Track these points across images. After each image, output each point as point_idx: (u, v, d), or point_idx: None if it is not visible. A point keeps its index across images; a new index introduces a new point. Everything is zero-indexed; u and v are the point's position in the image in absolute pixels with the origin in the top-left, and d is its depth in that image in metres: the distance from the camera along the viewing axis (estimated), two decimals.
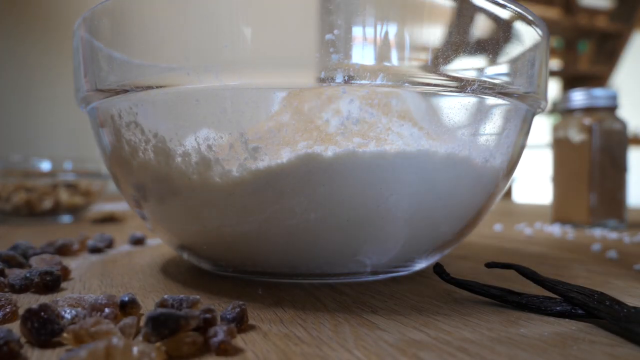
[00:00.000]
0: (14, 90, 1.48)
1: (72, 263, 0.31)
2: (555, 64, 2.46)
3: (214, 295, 0.23)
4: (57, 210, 0.61)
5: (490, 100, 0.24)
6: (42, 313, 0.16)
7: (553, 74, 2.36)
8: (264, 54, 0.21)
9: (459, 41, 0.21)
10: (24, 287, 0.23)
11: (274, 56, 0.21)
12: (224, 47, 0.21)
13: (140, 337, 0.16)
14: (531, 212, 0.78)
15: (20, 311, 0.20)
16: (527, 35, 0.24)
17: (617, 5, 2.37)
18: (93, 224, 0.58)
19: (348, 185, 0.21)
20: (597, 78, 2.30)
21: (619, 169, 0.53)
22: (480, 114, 0.23)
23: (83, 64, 0.25)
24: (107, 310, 0.18)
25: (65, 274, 0.27)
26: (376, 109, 0.21)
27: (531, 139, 0.30)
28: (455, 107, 0.23)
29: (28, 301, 0.22)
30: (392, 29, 0.20)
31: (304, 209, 0.21)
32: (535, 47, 0.25)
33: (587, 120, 0.53)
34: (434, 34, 0.21)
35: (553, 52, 2.45)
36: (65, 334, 0.15)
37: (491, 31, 0.23)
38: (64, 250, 0.34)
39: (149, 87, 0.22)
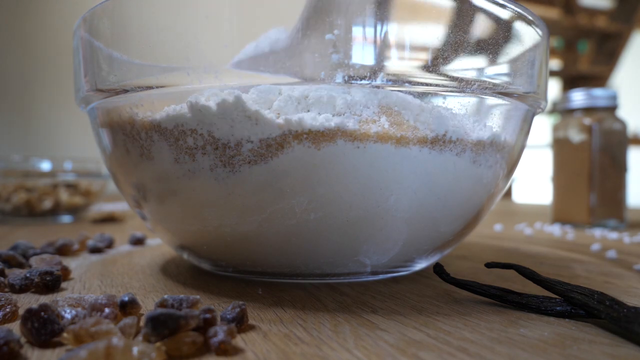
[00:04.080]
0: (14, 91, 1.48)
1: (72, 263, 0.31)
2: (555, 64, 2.45)
3: (214, 295, 0.23)
4: (57, 210, 0.61)
5: (490, 100, 0.24)
6: (42, 313, 0.16)
7: (553, 74, 2.35)
8: (264, 54, 0.21)
9: (459, 41, 0.21)
10: (24, 287, 0.23)
11: (274, 56, 0.21)
12: (224, 47, 0.21)
13: (140, 337, 0.16)
14: (531, 212, 0.78)
15: (20, 311, 0.20)
16: (527, 35, 0.24)
17: (617, 5, 2.37)
18: (93, 224, 0.58)
19: (348, 185, 0.21)
20: (597, 78, 2.30)
21: (619, 169, 0.53)
22: (480, 114, 0.23)
23: (83, 64, 0.25)
24: (107, 310, 0.18)
25: (65, 274, 0.27)
26: (377, 109, 0.21)
27: (531, 139, 0.30)
28: (455, 107, 0.23)
29: (28, 301, 0.22)
30: (392, 29, 0.20)
31: (304, 209, 0.21)
32: (535, 47, 0.25)
33: (587, 120, 0.53)
34: (434, 34, 0.21)
35: (553, 52, 2.44)
36: (65, 334, 0.15)
37: (491, 31, 0.23)
38: (64, 250, 0.34)
39: (149, 87, 0.22)
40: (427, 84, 0.21)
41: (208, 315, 0.16)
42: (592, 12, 2.37)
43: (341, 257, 0.24)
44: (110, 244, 0.38)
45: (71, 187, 0.63)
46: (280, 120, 0.20)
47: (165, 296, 0.18)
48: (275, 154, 0.21)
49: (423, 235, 0.24)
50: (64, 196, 0.62)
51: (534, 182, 2.73)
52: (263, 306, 0.21)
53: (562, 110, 0.57)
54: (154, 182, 0.24)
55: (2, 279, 0.24)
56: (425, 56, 0.21)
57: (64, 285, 0.25)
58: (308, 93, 0.21)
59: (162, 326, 0.15)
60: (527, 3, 2.01)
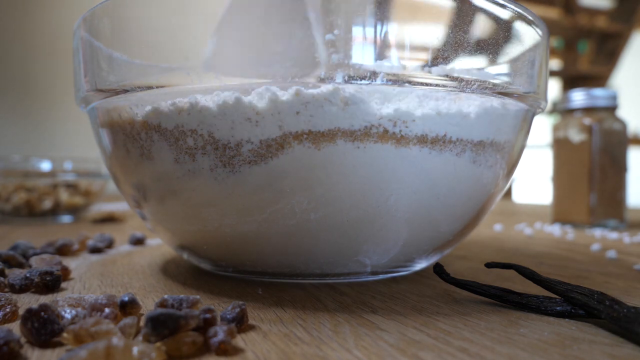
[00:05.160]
0: (14, 91, 1.48)
1: (72, 263, 0.31)
2: (555, 64, 2.45)
3: (214, 295, 0.23)
4: (57, 210, 0.61)
5: (491, 100, 0.24)
6: (42, 313, 0.16)
7: (553, 74, 2.35)
8: (264, 54, 0.21)
9: (459, 41, 0.21)
10: (24, 287, 0.23)
11: (274, 56, 0.21)
12: (224, 47, 0.21)
13: (140, 337, 0.16)
14: (531, 212, 0.78)
15: (20, 311, 0.20)
16: (527, 35, 0.24)
17: (617, 5, 2.37)
18: (93, 224, 0.58)
19: (348, 186, 0.21)
20: (597, 78, 2.30)
21: (619, 169, 0.53)
22: (480, 114, 0.23)
23: (83, 64, 0.25)
24: (107, 310, 0.18)
25: (65, 274, 0.27)
26: (377, 109, 0.21)
27: (531, 139, 0.30)
28: (454, 107, 0.23)
29: (28, 301, 0.22)
30: (392, 29, 0.20)
31: (304, 209, 0.21)
32: (535, 47, 0.25)
33: (587, 120, 0.53)
34: (434, 34, 0.21)
35: (553, 52, 2.44)
36: (65, 334, 0.15)
37: (491, 31, 0.23)
38: (64, 250, 0.34)
39: (149, 87, 0.22)
40: (427, 84, 0.21)
41: (208, 315, 0.16)
42: (592, 12, 2.37)
43: (341, 257, 0.24)
44: (110, 244, 0.38)
45: (71, 187, 0.63)
46: (280, 121, 0.20)
47: (165, 296, 0.18)
48: (275, 154, 0.21)
49: (423, 235, 0.24)
50: (64, 196, 0.62)
51: (534, 182, 2.73)
52: (263, 306, 0.21)
53: (562, 110, 0.57)
54: (154, 182, 0.24)
55: (2, 279, 0.24)
56: (425, 56, 0.21)
57: (64, 285, 0.25)
58: (308, 93, 0.21)
59: (162, 326, 0.15)
60: (527, 3, 2.01)
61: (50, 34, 1.49)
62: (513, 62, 0.24)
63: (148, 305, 0.21)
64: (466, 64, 0.22)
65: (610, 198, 0.53)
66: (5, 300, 0.19)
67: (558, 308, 0.20)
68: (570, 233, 0.50)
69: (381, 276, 0.27)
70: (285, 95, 0.20)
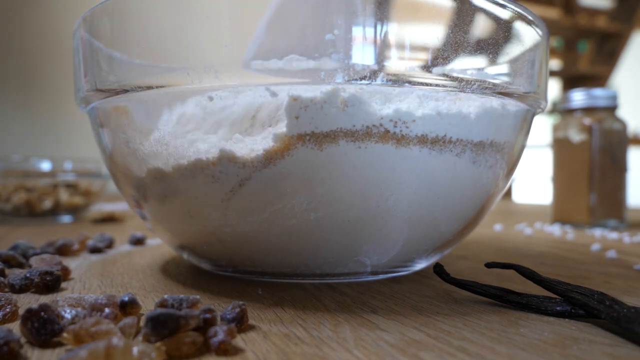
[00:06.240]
0: (14, 91, 1.48)
1: (72, 263, 0.31)
2: (555, 64, 2.45)
3: (214, 295, 0.23)
4: (57, 210, 0.61)
5: (491, 100, 0.24)
6: (42, 313, 0.16)
7: (553, 74, 2.35)
8: (264, 54, 0.21)
9: (459, 41, 0.21)
10: (24, 287, 0.23)
11: (274, 56, 0.21)
12: (224, 47, 0.21)
13: (140, 337, 0.16)
14: (531, 212, 0.78)
15: (20, 311, 0.20)
16: (527, 35, 0.24)
17: (617, 5, 2.37)
18: (93, 224, 0.58)
19: (348, 186, 0.21)
20: (597, 78, 2.30)
21: (619, 169, 0.53)
22: (480, 114, 0.23)
23: (83, 64, 0.25)
24: (107, 310, 0.18)
25: (65, 274, 0.27)
26: (377, 109, 0.21)
27: (531, 139, 0.30)
28: (454, 107, 0.23)
29: (28, 301, 0.22)
30: (392, 29, 0.20)
31: (304, 209, 0.21)
32: (535, 47, 0.25)
33: (587, 120, 0.53)
34: (434, 34, 0.21)
35: (553, 52, 2.44)
36: (65, 334, 0.15)
37: (491, 31, 0.23)
38: (64, 250, 0.34)
39: (149, 87, 0.22)
40: (427, 84, 0.21)
41: (208, 315, 0.16)
42: (592, 12, 2.37)
43: (341, 257, 0.24)
44: (110, 244, 0.38)
45: (71, 187, 0.63)
46: (284, 126, 0.20)
47: (165, 296, 0.18)
48: (281, 156, 0.21)
49: (423, 235, 0.24)
50: (64, 196, 0.62)
51: (534, 182, 2.73)
52: (263, 306, 0.21)
53: (562, 110, 0.57)
54: (154, 182, 0.24)
55: (2, 279, 0.24)
56: (425, 56, 0.21)
57: (64, 285, 0.25)
58: (308, 95, 0.21)
59: (162, 326, 0.15)
60: (527, 3, 2.01)
61: (51, 34, 1.49)
62: (513, 62, 0.24)
63: (148, 305, 0.21)
64: (466, 64, 0.22)
65: (610, 198, 0.53)
66: (5, 300, 0.19)
67: (558, 308, 0.20)
68: (570, 233, 0.50)
69: (381, 276, 0.27)
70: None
